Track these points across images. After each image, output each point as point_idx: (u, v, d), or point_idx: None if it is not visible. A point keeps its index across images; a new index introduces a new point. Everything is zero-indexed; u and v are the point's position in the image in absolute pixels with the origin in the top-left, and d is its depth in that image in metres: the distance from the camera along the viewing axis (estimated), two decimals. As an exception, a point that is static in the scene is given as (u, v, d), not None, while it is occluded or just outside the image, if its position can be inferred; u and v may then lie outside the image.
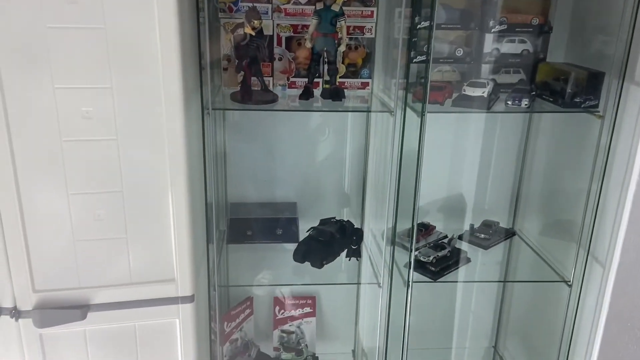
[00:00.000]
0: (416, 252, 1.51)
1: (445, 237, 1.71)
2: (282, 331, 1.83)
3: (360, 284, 1.76)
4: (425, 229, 1.71)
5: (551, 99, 1.49)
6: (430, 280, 1.48)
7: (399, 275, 1.47)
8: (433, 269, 1.50)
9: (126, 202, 1.22)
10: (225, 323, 1.71)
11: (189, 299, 1.32)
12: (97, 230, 1.22)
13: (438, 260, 1.52)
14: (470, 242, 1.70)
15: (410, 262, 1.40)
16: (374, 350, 1.75)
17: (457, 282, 1.67)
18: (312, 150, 1.74)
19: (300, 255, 1.52)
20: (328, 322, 1.91)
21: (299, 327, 1.84)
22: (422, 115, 1.32)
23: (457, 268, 1.55)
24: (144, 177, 1.21)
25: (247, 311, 1.80)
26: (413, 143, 1.35)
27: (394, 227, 1.42)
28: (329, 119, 1.71)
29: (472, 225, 1.75)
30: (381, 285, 1.46)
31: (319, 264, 1.49)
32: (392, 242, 1.45)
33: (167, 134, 1.19)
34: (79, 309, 1.24)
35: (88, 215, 1.21)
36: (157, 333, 1.33)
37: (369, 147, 1.71)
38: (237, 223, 1.70)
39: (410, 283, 1.41)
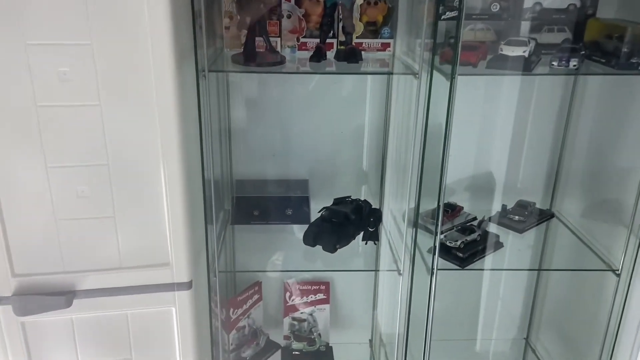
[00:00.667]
0: (442, 236, 1.34)
1: (474, 219, 1.53)
2: (293, 319, 1.69)
3: (377, 270, 1.60)
4: (451, 209, 1.54)
5: (603, 60, 1.28)
6: (458, 267, 1.31)
7: (422, 261, 1.30)
8: (461, 254, 1.33)
9: (113, 177, 1.08)
10: (231, 309, 1.58)
11: (186, 285, 1.18)
12: (80, 208, 1.09)
13: (466, 245, 1.35)
14: (502, 224, 1.51)
15: (435, 247, 1.23)
16: (394, 341, 1.61)
17: (487, 270, 1.50)
18: (326, 121, 1.57)
19: (311, 238, 1.36)
20: (343, 309, 1.76)
21: (311, 314, 1.70)
22: (452, 78, 1.14)
23: (488, 254, 1.37)
24: (132, 148, 1.07)
25: (255, 297, 1.67)
26: (440, 111, 1.17)
27: (417, 207, 1.25)
28: (345, 85, 1.54)
29: (504, 206, 1.57)
30: (401, 272, 1.30)
31: (331, 247, 1.33)
32: (415, 225, 1.28)
33: (157, 100, 1.04)
34: (63, 296, 1.11)
35: (70, 191, 1.08)
36: (152, 322, 1.20)
37: (390, 117, 1.53)
38: (243, 202, 1.55)
39: (435, 271, 1.24)
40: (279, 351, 1.68)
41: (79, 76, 1.00)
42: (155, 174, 1.09)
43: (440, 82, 1.18)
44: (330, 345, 1.69)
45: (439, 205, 1.21)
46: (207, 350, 1.34)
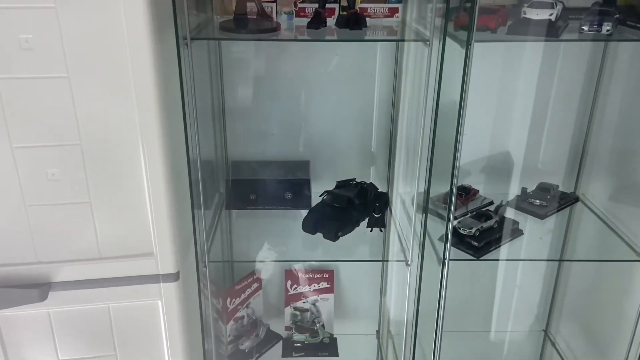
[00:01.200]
0: (455, 223, 1.22)
1: (491, 203, 1.40)
2: (295, 309, 1.60)
3: (383, 261, 1.49)
4: (465, 193, 1.41)
5: (639, 25, 1.13)
6: (472, 257, 1.19)
7: (432, 250, 1.18)
8: (475, 243, 1.20)
9: (86, 159, 0.97)
10: (229, 299, 1.48)
11: (173, 276, 1.08)
12: (52, 193, 0.99)
13: (482, 232, 1.23)
14: (522, 209, 1.38)
15: (447, 235, 1.11)
16: (403, 332, 1.50)
17: (506, 260, 1.37)
18: (329, 96, 1.44)
19: (311, 225, 1.25)
20: (348, 299, 1.66)
21: (314, 304, 1.60)
22: (467, 45, 1.00)
23: (506, 242, 1.25)
24: (106, 126, 0.96)
25: (255, 285, 1.57)
26: (454, 82, 1.04)
27: (427, 190, 1.13)
28: (349, 56, 1.40)
29: (524, 189, 1.43)
30: (409, 263, 1.19)
31: (333, 235, 1.22)
32: (424, 210, 1.16)
33: (133, 72, 0.92)
34: (37, 288, 1.02)
35: (39, 174, 0.97)
36: (136, 316, 1.11)
37: (399, 91, 1.40)
38: (238, 185, 1.43)
39: (447, 261, 1.12)
40: (280, 342, 1.58)
41: (43, 44, 0.89)
42: (134, 154, 0.98)
43: (455, 51, 1.04)
44: (334, 336, 1.60)
45: (451, 188, 1.08)
46: (198, 343, 1.24)
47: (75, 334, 1.10)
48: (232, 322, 1.51)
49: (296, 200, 1.41)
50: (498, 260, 1.31)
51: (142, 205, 1.02)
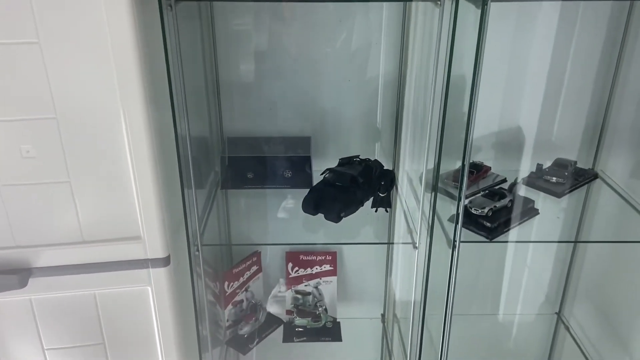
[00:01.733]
0: (466, 202, 1.13)
1: (504, 180, 1.31)
2: (297, 292, 1.53)
3: (389, 243, 1.41)
4: (477, 170, 1.32)
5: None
6: (485, 239, 1.11)
7: (442, 232, 1.10)
8: (488, 224, 1.12)
9: (63, 133, 0.89)
10: (226, 283, 1.41)
11: (163, 261, 1.01)
12: (27, 171, 0.90)
13: (495, 212, 1.14)
14: (537, 187, 1.29)
15: (457, 215, 1.03)
16: (409, 316, 1.43)
17: (522, 242, 1.29)
18: (330, 67, 1.34)
19: (312, 205, 1.16)
20: (352, 281, 1.59)
21: (316, 287, 1.53)
22: (483, 4, 0.90)
23: (520, 223, 1.16)
24: (83, 97, 0.87)
25: (254, 268, 1.50)
26: (467, 48, 0.94)
27: (437, 167, 1.04)
28: (352, 23, 1.29)
29: (540, 166, 1.34)
30: (417, 245, 1.11)
31: (335, 216, 1.13)
32: (434, 188, 1.07)
33: (110, 35, 0.83)
34: (16, 274, 0.95)
35: (12, 150, 0.89)
36: (125, 303, 1.04)
37: (407, 59, 1.30)
38: (235, 163, 1.35)
39: (458, 244, 1.04)
40: (281, 327, 1.52)
41: (8, 5, 0.80)
42: (116, 129, 0.90)
43: (469, 11, 0.94)
44: (337, 320, 1.53)
45: (464, 165, 1.00)
46: (192, 329, 1.17)
47: (60, 323, 1.03)
48: (230, 306, 1.44)
49: (296, 179, 1.32)
50: (514, 242, 1.23)
51: (126, 184, 0.94)
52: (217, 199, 1.35)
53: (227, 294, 1.43)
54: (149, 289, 1.03)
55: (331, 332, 1.50)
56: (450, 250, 1.06)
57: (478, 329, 1.59)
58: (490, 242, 1.11)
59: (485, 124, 1.40)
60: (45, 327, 1.03)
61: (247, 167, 1.32)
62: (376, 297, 1.60)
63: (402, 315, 1.57)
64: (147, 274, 1.01)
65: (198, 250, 1.08)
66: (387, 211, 1.22)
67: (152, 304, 1.04)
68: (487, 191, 1.21)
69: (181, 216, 1.07)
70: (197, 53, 1.22)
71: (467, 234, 1.10)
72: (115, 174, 0.93)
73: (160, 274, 1.02)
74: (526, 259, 1.51)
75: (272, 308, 1.53)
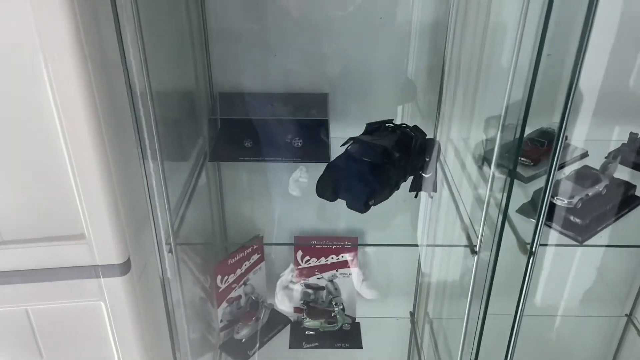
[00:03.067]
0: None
1: (585, 155, 0.98)
2: (307, 286, 1.24)
3: (437, 246, 1.09)
4: (548, 141, 0.99)
5: None
6: (574, 242, 0.79)
7: (510, 231, 0.78)
8: (578, 220, 0.80)
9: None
10: (219, 277, 1.13)
11: (119, 268, 0.72)
12: None
13: (586, 202, 0.82)
14: (631, 165, 0.96)
15: (541, 210, 0.71)
16: (443, 315, 1.16)
17: (624, 247, 0.97)
18: (353, 2, 1.00)
19: (330, 188, 0.86)
20: (375, 273, 1.29)
21: (331, 281, 1.24)
22: None
23: (619, 217, 0.84)
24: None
25: (255, 257, 1.21)
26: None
27: (520, 139, 0.71)
28: None
29: (634, 136, 1.01)
30: (477, 249, 0.80)
31: (361, 204, 0.82)
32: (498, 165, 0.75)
33: None
34: None
35: None
36: (69, 321, 0.76)
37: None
38: (228, 127, 1.03)
39: (536, 249, 0.73)
40: (288, 327, 1.24)
41: None
42: (36, 78, 0.58)
43: None
44: (357, 320, 1.25)
45: (560, 135, 0.66)
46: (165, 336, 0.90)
47: (-15, 347, 0.76)
48: (225, 304, 1.17)
49: (309, 150, 1.00)
50: (615, 246, 0.91)
51: (59, 162, 0.64)
52: (209, 176, 1.05)
53: (221, 289, 1.15)
54: (102, 304, 0.74)
55: (349, 336, 1.22)
56: (525, 257, 0.75)
57: (538, 330, 1.31)
58: (581, 245, 0.79)
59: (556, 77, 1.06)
60: (-36, 353, 0.76)
61: (243, 133, 1.00)
62: (405, 292, 1.31)
63: (435, 313, 1.29)
64: (97, 285, 0.72)
65: (171, 251, 0.78)
66: (431, 197, 0.90)
67: (107, 320, 0.76)
68: (573, 172, 0.88)
69: (144, 206, 0.77)
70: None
71: (547, 234, 0.79)
72: (42, 149, 0.62)
73: (116, 285, 0.73)
74: (598, 256, 1.20)
75: (278, 304, 1.26)
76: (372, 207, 0.84)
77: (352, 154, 0.89)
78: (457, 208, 0.90)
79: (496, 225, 0.77)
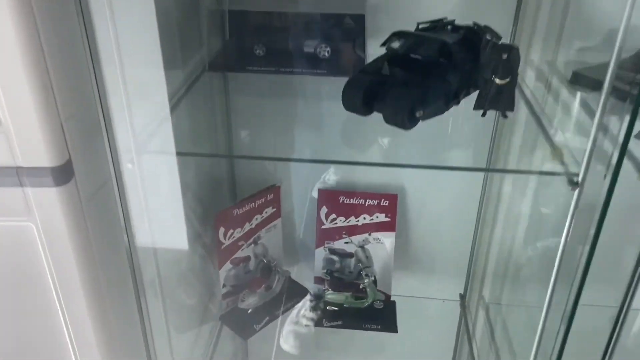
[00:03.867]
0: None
1: None
2: (332, 252, 1.00)
3: (518, 172, 0.81)
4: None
5: None
6: None
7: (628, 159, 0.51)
8: None
9: None
10: (223, 230, 0.90)
11: (53, 174, 0.51)
12: None
13: None
14: None
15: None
16: (501, 301, 0.89)
17: None
18: None
19: (360, 96, 0.61)
20: (419, 241, 1.04)
21: (362, 247, 1.00)
22: None
23: None
24: None
25: (270, 211, 0.98)
26: None
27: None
28: None
29: None
30: (578, 180, 0.53)
31: (405, 115, 0.57)
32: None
33: None
34: None
35: None
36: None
37: None
38: (237, 27, 0.80)
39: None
40: (306, 300, 1.01)
41: None
42: None
43: None
44: (392, 299, 1.00)
45: None
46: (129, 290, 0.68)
47: None
48: (229, 264, 0.94)
49: (337, 61, 0.76)
50: None
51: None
52: (200, 87, 0.81)
53: (224, 246, 0.92)
54: (33, 227, 0.53)
55: (381, 316, 0.97)
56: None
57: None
58: None
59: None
60: None
61: (255, 36, 0.77)
62: (455, 269, 1.05)
63: (491, 298, 1.02)
64: (23, 197, 0.51)
65: (132, 162, 0.56)
66: (505, 116, 0.64)
67: (42, 255, 0.55)
68: None
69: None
70: None
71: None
72: None
73: (49, 199, 0.51)
74: None
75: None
76: (421, 121, 0.59)
77: (396, 51, 0.63)
78: (544, 130, 0.63)
79: (612, 152, 0.50)
